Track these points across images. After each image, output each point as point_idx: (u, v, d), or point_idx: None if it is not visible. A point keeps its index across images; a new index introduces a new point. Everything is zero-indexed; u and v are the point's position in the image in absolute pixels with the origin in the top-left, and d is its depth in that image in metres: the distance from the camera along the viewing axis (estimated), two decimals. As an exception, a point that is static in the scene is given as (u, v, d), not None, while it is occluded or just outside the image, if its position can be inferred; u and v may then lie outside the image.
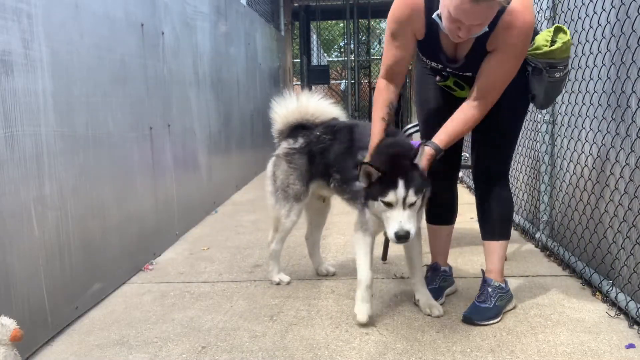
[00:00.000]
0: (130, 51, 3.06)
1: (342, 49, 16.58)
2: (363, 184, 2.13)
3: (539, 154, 3.37)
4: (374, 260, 3.11)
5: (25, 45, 2.13)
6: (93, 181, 2.61)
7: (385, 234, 2.22)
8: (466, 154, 4.24)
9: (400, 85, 2.36)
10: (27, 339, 1.92)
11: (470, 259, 3.18)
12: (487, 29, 2.03)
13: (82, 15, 2.55)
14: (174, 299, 2.70)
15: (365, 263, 2.33)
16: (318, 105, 2.73)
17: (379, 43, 14.80)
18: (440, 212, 2.57)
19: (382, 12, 11.81)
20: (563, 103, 3.06)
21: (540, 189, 3.35)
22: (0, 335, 1.78)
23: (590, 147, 2.68)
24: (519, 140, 3.85)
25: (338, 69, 15.97)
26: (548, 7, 3.16)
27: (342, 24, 13.83)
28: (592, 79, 2.66)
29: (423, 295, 2.46)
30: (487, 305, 2.32)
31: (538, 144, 3.42)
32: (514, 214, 3.91)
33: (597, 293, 2.57)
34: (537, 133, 3.48)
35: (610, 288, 2.43)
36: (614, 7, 2.41)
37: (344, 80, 14.02)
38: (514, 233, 3.72)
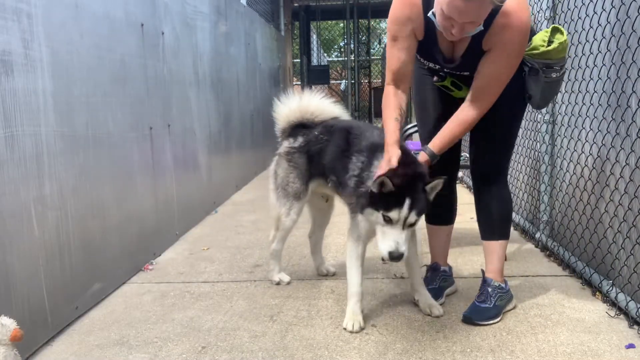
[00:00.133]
0: (130, 51, 3.06)
1: (342, 49, 16.59)
2: (374, 190, 2.09)
3: (539, 154, 3.37)
4: (374, 261, 3.13)
5: (25, 45, 2.13)
6: (93, 181, 2.61)
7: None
8: (465, 154, 4.24)
9: (407, 91, 2.33)
10: (27, 339, 1.92)
11: (470, 259, 3.18)
12: (482, 28, 2.03)
13: (82, 15, 2.55)
14: (174, 299, 2.70)
15: (356, 277, 2.33)
16: (319, 105, 2.73)
17: (379, 43, 14.81)
18: (440, 212, 2.57)
19: (382, 12, 11.82)
20: (563, 103, 3.06)
21: (540, 189, 3.35)
22: (0, 335, 1.78)
23: (590, 147, 2.68)
24: (518, 140, 3.88)
25: (338, 69, 15.97)
26: (548, 7, 3.16)
27: (342, 24, 13.84)
28: (592, 79, 2.66)
29: (422, 295, 2.46)
30: (487, 305, 2.33)
31: (538, 144, 3.42)
32: (514, 214, 3.92)
33: (597, 293, 2.57)
34: (537, 133, 3.48)
35: (610, 288, 2.43)
36: (614, 7, 2.41)
37: (344, 80, 14.03)
38: (514, 233, 3.72)
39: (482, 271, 2.46)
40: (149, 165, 3.31)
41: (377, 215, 2.09)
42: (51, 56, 2.29)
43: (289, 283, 2.86)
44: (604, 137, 2.54)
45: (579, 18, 2.79)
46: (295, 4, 11.81)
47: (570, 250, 2.93)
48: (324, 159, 2.57)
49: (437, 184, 2.09)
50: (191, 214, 4.15)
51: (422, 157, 2.20)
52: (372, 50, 13.00)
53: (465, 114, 2.20)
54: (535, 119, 3.50)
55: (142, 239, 3.19)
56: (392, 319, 2.39)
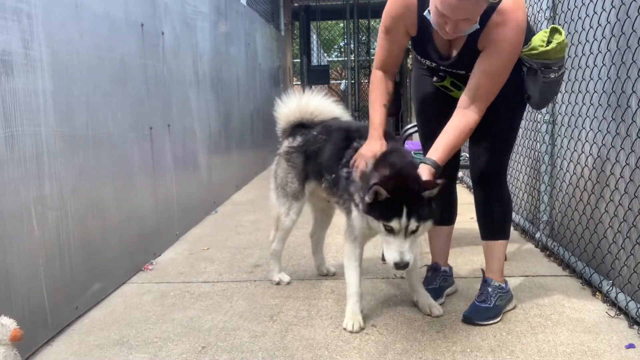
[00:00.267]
0: (130, 51, 3.06)
1: (342, 49, 16.58)
2: (367, 200, 2.04)
3: (539, 154, 3.37)
4: (374, 261, 3.13)
5: (25, 45, 2.13)
6: (93, 181, 2.61)
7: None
8: (465, 154, 4.23)
9: (394, 75, 2.39)
10: (27, 339, 1.92)
11: (470, 259, 3.18)
12: (478, 26, 2.03)
13: (82, 15, 2.55)
14: (174, 299, 2.70)
15: (355, 277, 2.33)
16: (318, 105, 2.73)
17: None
18: (440, 212, 2.57)
19: (382, 12, 11.78)
20: (563, 103, 3.06)
21: (540, 189, 3.35)
22: (0, 335, 1.78)
23: (590, 147, 2.68)
24: (518, 140, 3.88)
25: (338, 69, 15.96)
26: (548, 7, 3.16)
27: (342, 24, 13.83)
28: (592, 79, 2.66)
29: (422, 295, 2.46)
30: (487, 305, 2.33)
31: (538, 144, 3.42)
32: (514, 214, 3.92)
33: (597, 293, 2.57)
34: (537, 133, 3.48)
35: (610, 288, 2.43)
36: (614, 7, 2.41)
37: (344, 80, 14.02)
38: (514, 233, 3.72)
39: (482, 271, 2.47)
40: (149, 165, 3.31)
41: (379, 225, 2.05)
42: (51, 56, 2.29)
43: (289, 283, 2.86)
44: (604, 137, 2.54)
45: (579, 18, 2.78)
46: (295, 4, 11.81)
47: (570, 250, 2.93)
48: (320, 158, 2.57)
49: (434, 190, 2.02)
50: (191, 214, 4.15)
51: (428, 170, 2.10)
52: (372, 50, 13.00)
53: (463, 119, 2.15)
54: (535, 119, 3.50)
55: (142, 239, 3.19)
56: (392, 319, 2.39)
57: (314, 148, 2.60)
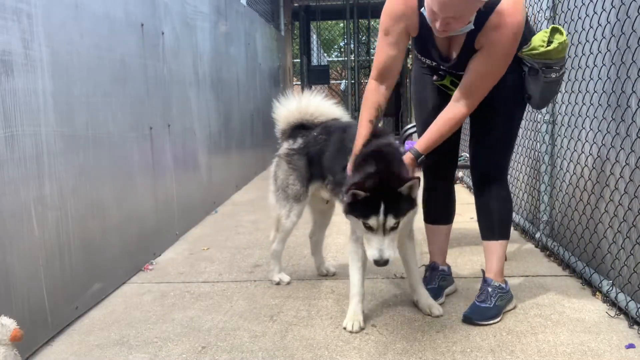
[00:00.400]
0: (130, 51, 3.06)
1: (342, 49, 16.58)
2: (346, 200, 2.08)
3: (539, 154, 3.37)
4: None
5: (25, 45, 2.13)
6: (93, 181, 2.61)
7: None
8: (466, 154, 4.23)
9: (391, 87, 2.31)
10: (27, 339, 1.92)
11: (470, 259, 3.18)
12: (473, 27, 2.04)
13: (82, 15, 2.55)
14: (174, 299, 2.70)
15: (357, 278, 2.33)
16: (318, 106, 2.73)
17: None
18: (438, 211, 2.58)
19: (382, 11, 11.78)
20: (563, 103, 3.06)
21: (540, 189, 3.35)
22: (0, 335, 1.78)
23: (590, 147, 2.68)
24: (518, 140, 3.87)
25: (338, 69, 15.96)
26: (548, 7, 3.16)
27: (342, 24, 13.83)
28: (592, 79, 2.66)
29: (421, 295, 2.46)
30: (487, 305, 2.32)
31: (538, 144, 3.42)
32: (514, 214, 3.91)
33: (597, 293, 2.57)
34: (537, 133, 3.48)
35: (610, 288, 2.43)
36: (614, 7, 2.41)
37: (344, 80, 14.01)
38: (514, 233, 3.72)
39: (482, 271, 2.46)
40: (149, 165, 3.31)
41: (358, 223, 2.09)
42: (51, 56, 2.29)
43: (289, 283, 2.86)
44: (604, 137, 2.54)
45: (579, 18, 2.78)
46: (295, 4, 11.80)
47: (570, 250, 2.93)
48: (322, 160, 2.56)
49: (411, 184, 2.03)
50: (191, 214, 4.15)
51: (407, 157, 2.19)
52: (372, 50, 12.99)
53: (451, 111, 2.20)
54: (535, 119, 3.50)
55: (142, 239, 3.19)
56: (392, 319, 2.39)
57: (316, 149, 2.60)
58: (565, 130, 3.04)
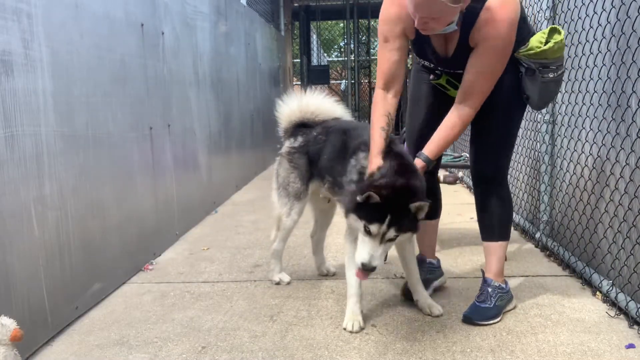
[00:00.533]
0: (130, 51, 3.06)
1: (342, 49, 16.58)
2: (359, 200, 2.06)
3: (539, 154, 3.37)
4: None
5: (25, 45, 2.13)
6: (93, 181, 2.61)
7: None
8: (466, 154, 4.23)
9: (399, 94, 2.30)
10: (27, 339, 1.92)
11: (470, 259, 3.18)
12: (455, 27, 2.06)
13: (82, 15, 2.55)
14: (174, 299, 2.70)
15: (355, 278, 2.32)
16: (320, 105, 2.73)
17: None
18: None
19: (382, 12, 11.77)
20: (563, 103, 3.06)
21: (540, 189, 3.35)
22: (0, 335, 1.78)
23: (590, 147, 2.68)
24: (518, 140, 3.87)
25: (338, 69, 15.96)
26: (548, 7, 3.16)
27: (342, 24, 13.83)
28: (592, 79, 2.66)
29: (421, 295, 2.46)
30: (487, 305, 2.32)
31: (538, 144, 3.42)
32: (514, 214, 3.91)
33: (597, 293, 2.57)
34: (537, 133, 3.48)
35: (610, 288, 2.43)
36: (614, 7, 2.41)
37: (344, 80, 14.01)
38: (514, 233, 3.72)
39: (482, 271, 2.46)
40: (149, 165, 3.31)
41: (360, 224, 2.08)
42: (51, 56, 2.29)
43: (289, 283, 2.86)
44: (604, 137, 2.54)
45: (579, 18, 2.78)
46: (295, 4, 11.80)
47: (570, 250, 2.93)
48: (322, 159, 2.57)
49: (421, 205, 2.03)
50: (191, 214, 4.14)
51: (418, 163, 2.19)
52: (372, 50, 12.99)
53: (456, 114, 2.20)
54: (535, 119, 3.50)
55: (142, 239, 3.19)
56: (392, 319, 2.39)
57: (316, 148, 2.61)
58: (565, 130, 3.04)
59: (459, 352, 2.07)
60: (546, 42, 2.17)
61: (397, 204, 2.02)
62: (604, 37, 2.51)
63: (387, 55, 2.25)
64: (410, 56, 2.95)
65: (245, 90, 6.16)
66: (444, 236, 3.68)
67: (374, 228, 2.04)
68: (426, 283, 2.56)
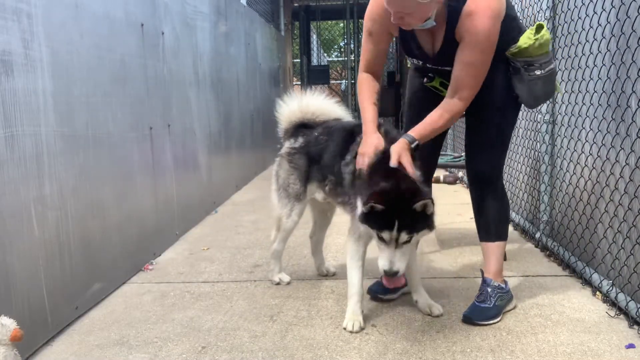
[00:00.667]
0: (130, 51, 3.06)
1: (342, 49, 16.58)
2: (364, 210, 2.07)
3: (539, 154, 3.37)
4: (373, 261, 3.12)
5: (25, 45, 2.13)
6: (93, 181, 2.61)
7: None
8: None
9: (380, 76, 2.44)
10: (27, 339, 1.92)
11: (470, 259, 3.18)
12: (434, 23, 2.09)
13: (82, 15, 2.55)
14: (174, 299, 2.70)
15: (357, 277, 2.33)
16: (320, 105, 2.73)
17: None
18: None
19: (382, 12, 11.76)
20: (563, 103, 3.06)
21: (540, 189, 3.35)
22: (0, 335, 1.78)
23: (590, 147, 2.68)
24: (518, 140, 3.88)
25: (338, 69, 15.96)
26: (548, 7, 3.16)
27: (342, 24, 13.83)
28: (592, 79, 2.66)
29: (421, 295, 2.46)
30: (487, 305, 2.32)
31: (538, 144, 3.42)
32: (514, 214, 3.92)
33: (597, 293, 2.57)
34: (537, 133, 3.48)
35: (610, 288, 2.43)
36: (614, 7, 2.41)
37: (344, 80, 14.02)
38: (514, 233, 3.73)
39: (482, 271, 2.46)
40: (149, 165, 3.31)
41: (373, 233, 2.10)
42: (51, 56, 2.29)
43: (289, 283, 2.86)
44: (604, 137, 2.54)
45: (579, 18, 2.78)
46: (295, 4, 11.80)
47: (570, 250, 2.93)
48: (323, 160, 2.56)
49: (424, 203, 2.02)
50: (191, 214, 4.15)
51: (401, 142, 2.17)
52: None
53: (445, 106, 2.21)
54: (535, 119, 3.50)
55: (142, 239, 3.19)
56: (392, 319, 2.39)
57: (316, 149, 2.60)
58: (565, 130, 3.04)
59: (459, 352, 2.07)
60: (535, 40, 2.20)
61: (402, 207, 2.02)
62: (604, 37, 2.51)
63: (369, 47, 2.36)
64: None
65: (245, 90, 6.16)
66: (444, 236, 3.68)
67: (385, 235, 2.04)
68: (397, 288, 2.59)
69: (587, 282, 2.70)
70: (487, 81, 2.19)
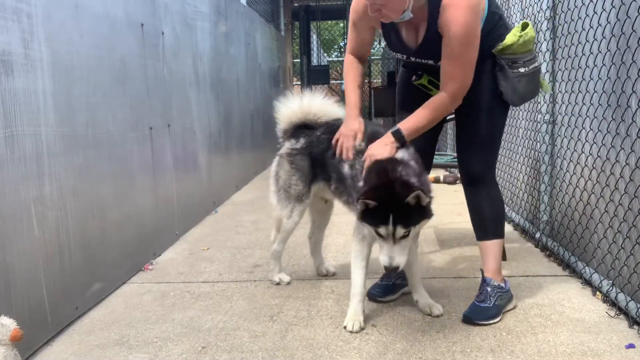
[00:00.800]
0: (130, 51, 3.06)
1: (342, 49, 16.58)
2: (359, 208, 2.11)
3: (539, 154, 3.37)
4: (374, 261, 3.12)
5: (25, 45, 2.13)
6: (93, 181, 2.61)
7: None
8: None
9: (366, 60, 2.59)
10: (27, 339, 1.92)
11: (470, 259, 3.18)
12: (411, 15, 2.11)
13: (82, 15, 2.55)
14: (174, 299, 2.70)
15: (359, 277, 2.33)
16: (321, 105, 2.72)
17: (379, 43, 14.81)
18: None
19: (382, 12, 11.77)
20: (563, 103, 3.06)
21: (540, 189, 3.35)
22: (0, 335, 1.78)
23: (591, 147, 2.68)
24: (518, 140, 3.87)
25: (338, 69, 15.96)
26: (548, 7, 3.16)
27: (342, 24, 13.84)
28: (592, 79, 2.66)
29: (421, 295, 2.46)
30: (487, 305, 2.32)
31: (538, 144, 3.42)
32: (514, 214, 3.92)
33: (597, 293, 2.57)
34: (537, 133, 3.48)
35: (610, 288, 2.43)
36: (614, 7, 2.41)
37: (344, 81, 14.01)
38: (514, 233, 3.73)
39: (482, 270, 2.46)
40: (149, 165, 3.31)
41: (371, 230, 2.11)
42: (51, 56, 2.29)
43: (289, 283, 2.86)
44: (604, 137, 2.54)
45: (579, 18, 2.78)
46: (295, 4, 11.80)
47: (570, 250, 2.93)
48: (326, 159, 2.56)
49: (416, 194, 2.03)
50: (191, 214, 4.15)
51: (387, 137, 2.22)
52: (372, 50, 13.00)
53: (434, 100, 2.23)
54: (535, 119, 3.50)
55: (142, 239, 3.19)
56: (392, 319, 2.39)
57: (320, 149, 2.60)
58: (565, 130, 3.04)
59: (459, 352, 2.07)
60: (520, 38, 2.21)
61: (395, 201, 2.03)
62: (604, 37, 2.51)
63: (354, 36, 2.47)
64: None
65: (245, 90, 6.16)
66: (444, 236, 3.68)
67: (382, 231, 2.06)
68: (394, 287, 2.60)
69: (587, 282, 2.70)
70: (475, 80, 2.21)
